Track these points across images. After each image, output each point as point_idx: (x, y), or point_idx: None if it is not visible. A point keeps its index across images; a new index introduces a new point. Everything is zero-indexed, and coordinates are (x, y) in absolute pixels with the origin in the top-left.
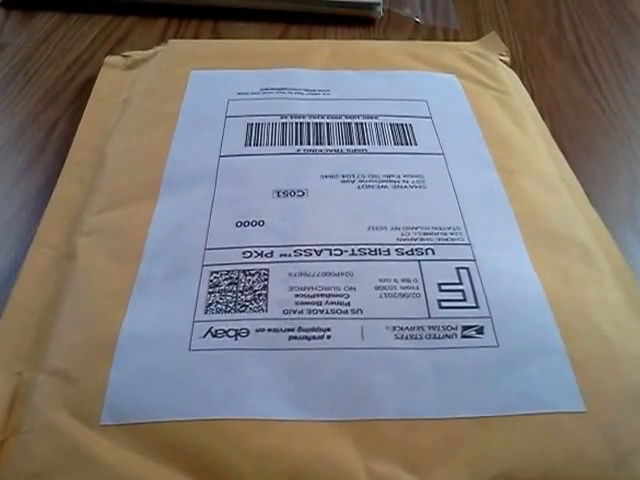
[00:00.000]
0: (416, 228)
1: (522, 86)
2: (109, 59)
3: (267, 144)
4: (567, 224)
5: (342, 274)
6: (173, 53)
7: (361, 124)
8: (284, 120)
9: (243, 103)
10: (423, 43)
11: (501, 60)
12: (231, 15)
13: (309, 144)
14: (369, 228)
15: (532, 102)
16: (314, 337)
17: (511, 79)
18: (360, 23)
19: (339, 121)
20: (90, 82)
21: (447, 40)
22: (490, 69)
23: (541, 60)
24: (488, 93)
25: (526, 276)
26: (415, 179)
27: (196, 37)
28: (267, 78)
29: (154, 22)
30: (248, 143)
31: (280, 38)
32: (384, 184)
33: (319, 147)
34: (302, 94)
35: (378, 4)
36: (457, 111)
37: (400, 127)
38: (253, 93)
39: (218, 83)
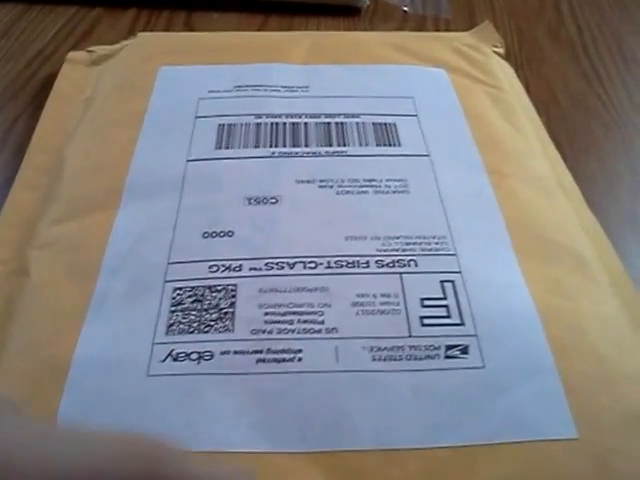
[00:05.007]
0: (398, 237)
1: (517, 80)
2: (72, 55)
3: (239, 146)
4: (562, 231)
5: (316, 289)
6: (141, 48)
7: (341, 124)
8: (258, 120)
9: (215, 102)
10: (411, 34)
11: (495, 52)
12: (206, 5)
13: (285, 146)
14: (347, 238)
15: (527, 97)
16: (284, 359)
17: (505, 72)
18: (344, 13)
19: (318, 121)
20: (53, 78)
21: (438, 30)
22: (482, 62)
23: (538, 50)
24: (479, 88)
25: (516, 289)
26: (398, 183)
27: (168, 29)
28: (241, 74)
29: (122, 13)
30: (219, 146)
31: (259, 30)
32: (364, 189)
33: (295, 149)
34: (279, 91)
35: None
36: (445, 108)
37: (383, 127)
38: (226, 91)
39: (188, 80)
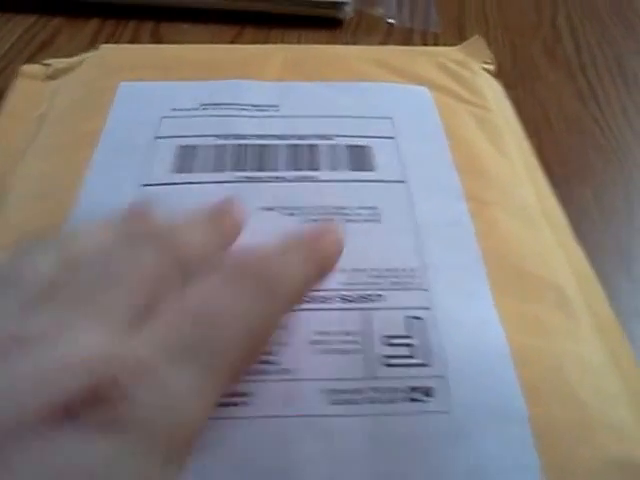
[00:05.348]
0: (366, 270)
1: (506, 100)
2: (26, 68)
3: (200, 170)
4: (544, 266)
5: None
6: (102, 61)
7: (312, 146)
8: (223, 141)
9: (177, 121)
10: (395, 49)
11: (484, 69)
12: (175, 15)
13: (250, 170)
14: None
15: (516, 119)
16: (230, 404)
17: (494, 91)
18: (326, 25)
19: (287, 142)
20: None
21: (425, 45)
22: (469, 80)
23: (533, 68)
24: (464, 108)
25: (490, 328)
26: (370, 212)
27: (133, 41)
28: (208, 91)
29: (85, 23)
30: (178, 169)
31: (232, 42)
32: (334, 218)
33: (262, 174)
34: (247, 110)
35: (347, 3)
36: (426, 130)
37: (358, 150)
38: (191, 109)
39: (150, 97)
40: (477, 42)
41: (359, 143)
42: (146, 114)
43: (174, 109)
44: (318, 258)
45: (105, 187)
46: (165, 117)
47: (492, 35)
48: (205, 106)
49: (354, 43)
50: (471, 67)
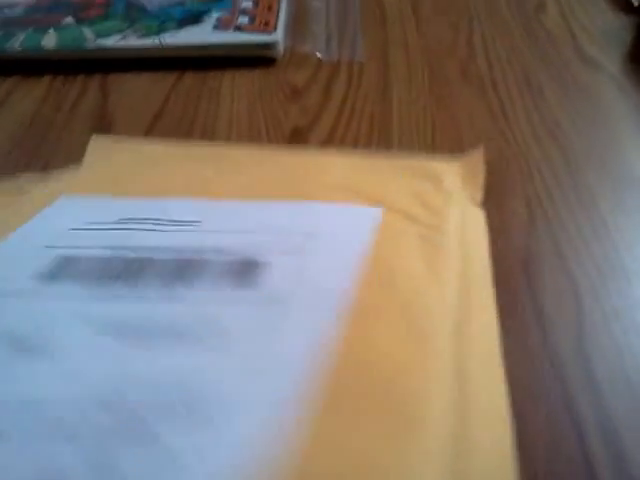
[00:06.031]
0: None
1: (485, 242)
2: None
3: (65, 281)
4: None
5: None
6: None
7: (202, 262)
8: (110, 252)
9: (80, 233)
10: (377, 165)
11: (471, 198)
12: (121, 66)
13: (117, 282)
14: None
15: (489, 267)
16: None
17: (471, 229)
18: (260, 63)
19: (179, 257)
20: None
21: (351, 76)
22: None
23: (447, 88)
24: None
25: None
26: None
27: (83, 94)
28: (144, 207)
29: (38, 80)
30: (38, 276)
31: (173, 86)
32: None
33: (126, 291)
34: (162, 225)
35: (276, 43)
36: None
37: (250, 264)
38: (107, 223)
39: (76, 211)
40: (475, 158)
41: (256, 258)
42: (57, 225)
43: (90, 222)
44: None
45: None
46: (73, 229)
47: (411, 59)
48: (122, 220)
49: (286, 81)
50: (453, 202)
